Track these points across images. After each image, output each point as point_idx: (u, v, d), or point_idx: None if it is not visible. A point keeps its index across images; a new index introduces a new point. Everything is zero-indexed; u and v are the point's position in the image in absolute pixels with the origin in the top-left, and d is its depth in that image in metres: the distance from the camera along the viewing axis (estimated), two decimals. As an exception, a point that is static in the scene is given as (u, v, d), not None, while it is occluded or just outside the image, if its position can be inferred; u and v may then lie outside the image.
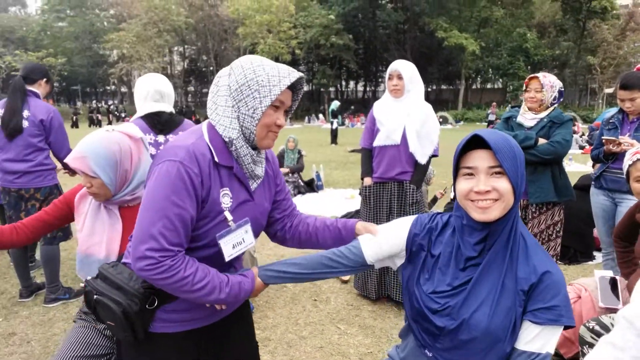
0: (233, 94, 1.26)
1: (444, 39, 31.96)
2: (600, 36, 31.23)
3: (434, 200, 5.58)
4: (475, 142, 1.17)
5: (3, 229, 1.76)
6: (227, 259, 1.31)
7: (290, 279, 1.40)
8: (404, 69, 3.27)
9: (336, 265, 1.37)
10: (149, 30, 36.52)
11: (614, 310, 1.96)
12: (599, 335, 1.88)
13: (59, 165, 3.51)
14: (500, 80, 40.34)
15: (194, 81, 51.44)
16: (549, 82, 3.05)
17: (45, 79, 3.37)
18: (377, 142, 3.34)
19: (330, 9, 34.87)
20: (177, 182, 1.19)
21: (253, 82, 1.24)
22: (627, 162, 2.01)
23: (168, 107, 2.52)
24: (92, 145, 1.59)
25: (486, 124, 25.06)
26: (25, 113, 3.18)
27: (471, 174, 1.18)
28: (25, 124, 3.18)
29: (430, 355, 1.27)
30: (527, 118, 3.16)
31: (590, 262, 4.29)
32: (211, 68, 46.05)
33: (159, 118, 2.44)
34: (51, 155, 3.38)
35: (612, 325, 1.88)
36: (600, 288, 2.02)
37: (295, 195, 7.49)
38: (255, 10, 32.15)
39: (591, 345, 1.89)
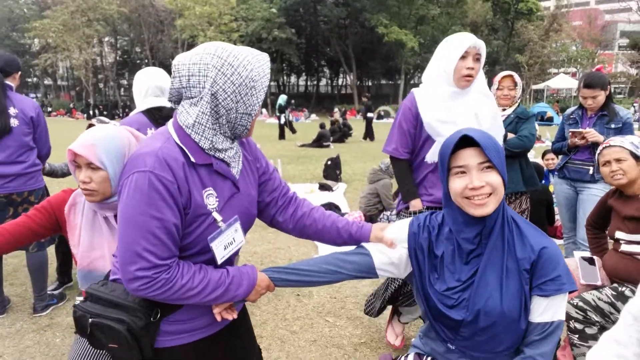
0: (230, 97, 1.16)
1: (384, 34, 32.73)
2: (527, 36, 33.59)
3: (397, 193, 5.78)
4: (460, 142, 1.25)
5: None
6: (219, 261, 1.26)
7: (296, 281, 1.38)
8: (483, 47, 2.26)
9: (343, 270, 1.40)
10: (76, 19, 34.12)
11: (594, 287, 2.18)
12: (582, 310, 2.09)
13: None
14: (437, 75, 42.02)
15: (127, 74, 48.84)
16: (519, 80, 3.35)
17: (19, 72, 3.10)
18: (431, 157, 2.33)
19: (271, 2, 34.51)
20: (151, 193, 1.11)
21: (248, 79, 1.17)
22: (598, 151, 2.30)
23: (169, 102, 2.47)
24: (101, 135, 1.51)
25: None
26: (12, 110, 2.88)
27: (463, 172, 1.26)
28: (14, 122, 2.88)
29: (453, 347, 1.36)
30: (497, 114, 3.40)
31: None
32: (146, 61, 43.92)
33: (160, 113, 2.38)
34: None
35: (594, 301, 2.09)
36: (581, 267, 2.24)
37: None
38: (195, 2, 31.07)
39: (577, 320, 2.09)
